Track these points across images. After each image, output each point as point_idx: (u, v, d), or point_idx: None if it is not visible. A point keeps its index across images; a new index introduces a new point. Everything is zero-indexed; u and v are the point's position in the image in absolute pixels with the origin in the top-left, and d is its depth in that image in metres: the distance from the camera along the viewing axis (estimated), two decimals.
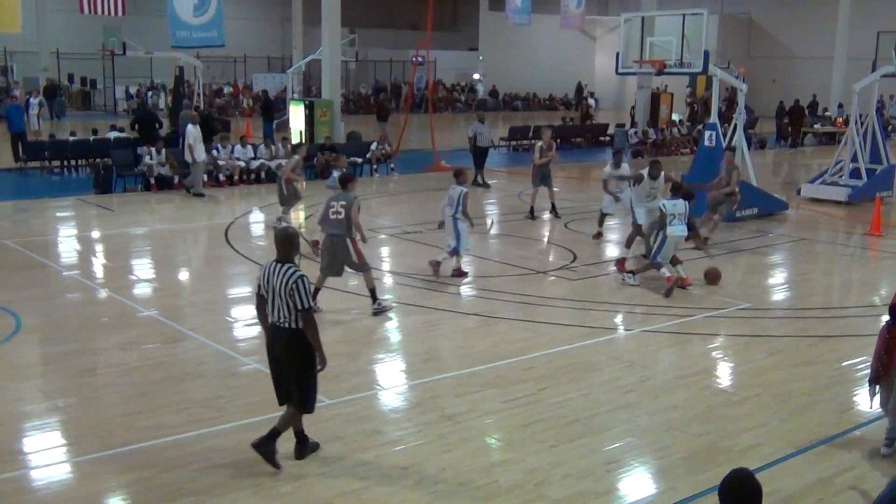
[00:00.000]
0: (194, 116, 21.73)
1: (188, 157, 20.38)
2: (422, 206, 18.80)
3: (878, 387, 7.35)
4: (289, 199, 16.12)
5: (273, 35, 58.19)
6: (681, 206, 12.34)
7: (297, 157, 16.46)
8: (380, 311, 11.10)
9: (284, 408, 7.00)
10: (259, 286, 6.90)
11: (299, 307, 6.66)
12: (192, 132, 20.07)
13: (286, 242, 6.88)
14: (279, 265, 6.78)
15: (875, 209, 17.25)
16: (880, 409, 7.56)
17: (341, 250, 10.86)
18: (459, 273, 13.01)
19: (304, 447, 7.11)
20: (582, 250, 14.91)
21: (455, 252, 12.95)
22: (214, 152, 21.78)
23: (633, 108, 38.03)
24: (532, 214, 17.69)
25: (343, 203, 10.80)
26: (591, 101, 44.40)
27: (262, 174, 22.40)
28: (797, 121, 36.01)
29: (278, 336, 6.79)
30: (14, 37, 32.82)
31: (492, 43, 54.13)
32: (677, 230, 12.29)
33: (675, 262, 12.60)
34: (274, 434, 6.88)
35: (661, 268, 12.47)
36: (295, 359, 6.78)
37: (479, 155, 22.48)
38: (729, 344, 10.50)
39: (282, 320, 6.75)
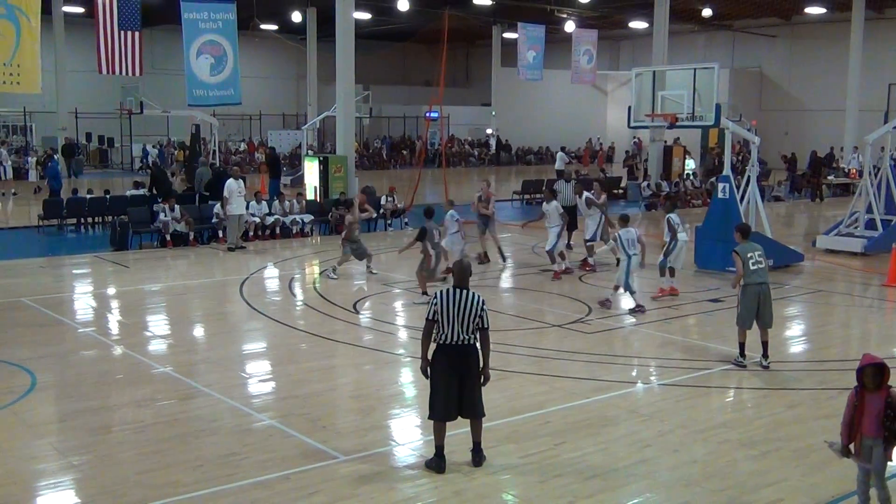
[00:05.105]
0: (235, 171, 22.07)
1: (221, 212, 20.75)
2: None
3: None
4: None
5: (288, 92, 59.11)
6: (675, 218, 15.59)
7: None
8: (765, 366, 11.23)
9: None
10: (434, 313, 7.75)
11: (483, 326, 7.79)
12: (230, 186, 20.44)
13: (466, 273, 8.05)
14: (463, 292, 7.79)
15: (892, 260, 17.10)
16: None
17: (769, 299, 11.13)
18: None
19: (482, 455, 8.01)
20: (597, 303, 14.85)
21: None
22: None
23: (628, 156, 37.49)
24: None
25: (760, 252, 11.18)
26: (563, 155, 41.04)
27: (277, 230, 22.54)
28: (817, 172, 35.21)
29: (461, 353, 7.78)
30: (34, 97, 33.42)
31: (504, 98, 54.73)
32: (684, 237, 15.59)
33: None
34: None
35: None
36: (475, 371, 7.87)
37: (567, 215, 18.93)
38: (747, 397, 10.39)
39: (464, 339, 7.74)
